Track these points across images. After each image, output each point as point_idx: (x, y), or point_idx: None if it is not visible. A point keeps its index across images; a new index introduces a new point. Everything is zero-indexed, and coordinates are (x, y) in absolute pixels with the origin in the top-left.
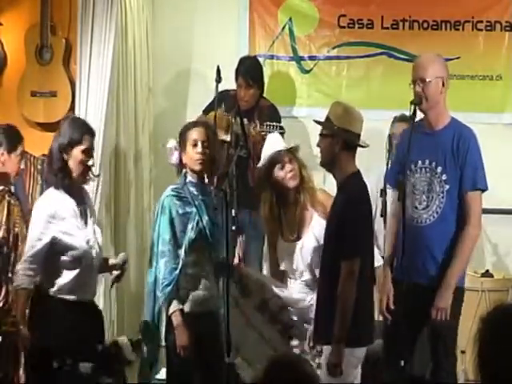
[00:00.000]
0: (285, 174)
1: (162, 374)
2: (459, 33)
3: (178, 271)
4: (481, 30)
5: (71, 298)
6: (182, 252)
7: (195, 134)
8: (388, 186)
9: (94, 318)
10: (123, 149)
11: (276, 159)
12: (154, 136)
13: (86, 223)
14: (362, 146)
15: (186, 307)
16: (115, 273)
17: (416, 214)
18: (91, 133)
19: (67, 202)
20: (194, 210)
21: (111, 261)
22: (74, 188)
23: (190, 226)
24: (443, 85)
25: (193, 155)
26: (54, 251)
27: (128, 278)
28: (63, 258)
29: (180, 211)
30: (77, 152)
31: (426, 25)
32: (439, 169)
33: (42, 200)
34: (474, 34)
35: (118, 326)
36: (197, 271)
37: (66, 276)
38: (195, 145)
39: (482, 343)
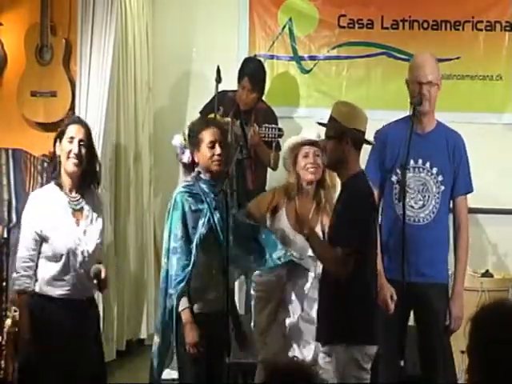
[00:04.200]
0: (305, 164)
1: (166, 374)
2: (459, 33)
3: (190, 267)
4: (481, 30)
5: (53, 293)
6: (193, 248)
7: (212, 135)
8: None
9: (82, 316)
10: (123, 148)
11: (303, 145)
12: (154, 135)
13: (78, 223)
14: (369, 143)
15: (196, 307)
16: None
17: (412, 213)
18: (75, 121)
19: (59, 198)
20: (206, 206)
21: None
22: (72, 186)
23: (201, 223)
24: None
25: (210, 156)
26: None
27: (128, 276)
28: (44, 249)
29: (192, 207)
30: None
31: (426, 25)
32: (435, 169)
33: (35, 193)
34: (474, 34)
35: (119, 325)
36: (207, 270)
37: (46, 270)
38: (213, 146)
39: (471, 343)
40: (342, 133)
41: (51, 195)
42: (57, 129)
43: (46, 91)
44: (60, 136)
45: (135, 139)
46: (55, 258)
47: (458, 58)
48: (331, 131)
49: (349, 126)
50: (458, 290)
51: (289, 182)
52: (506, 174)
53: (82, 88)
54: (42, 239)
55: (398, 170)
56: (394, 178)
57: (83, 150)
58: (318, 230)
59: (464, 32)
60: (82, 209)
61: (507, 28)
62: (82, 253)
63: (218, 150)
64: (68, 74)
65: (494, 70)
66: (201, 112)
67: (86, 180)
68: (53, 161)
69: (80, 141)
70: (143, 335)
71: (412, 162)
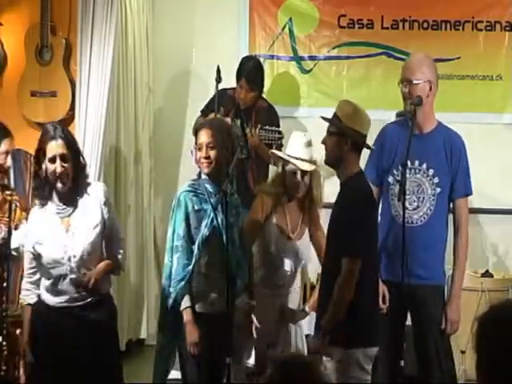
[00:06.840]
0: (297, 181)
1: (173, 374)
2: (459, 33)
3: (190, 267)
4: (481, 30)
5: (52, 302)
6: (195, 248)
7: (200, 137)
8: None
9: (76, 323)
10: (123, 149)
11: (294, 165)
12: (154, 136)
13: (67, 229)
14: (369, 148)
15: (199, 307)
16: None
17: (406, 214)
18: (52, 138)
19: (50, 209)
20: (210, 207)
21: None
22: (62, 196)
23: (204, 223)
24: (430, 88)
25: (198, 158)
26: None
27: (128, 277)
28: (39, 262)
29: (196, 207)
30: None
31: (426, 25)
32: (431, 171)
33: (31, 210)
34: (474, 34)
35: (119, 325)
36: (209, 270)
37: (43, 281)
38: (200, 148)
39: (478, 343)
40: (343, 132)
41: (43, 210)
42: None
43: (46, 91)
44: (41, 156)
45: (135, 139)
46: (47, 269)
47: (458, 58)
48: (333, 128)
49: (350, 127)
50: (454, 293)
51: (276, 173)
52: (506, 173)
53: (82, 88)
54: (37, 254)
55: (395, 171)
56: (390, 179)
57: (67, 165)
58: (306, 237)
59: (464, 32)
60: (72, 213)
61: (507, 28)
62: (69, 259)
63: (203, 152)
64: (68, 73)
65: (494, 70)
66: (202, 111)
67: (77, 188)
68: (36, 179)
69: (61, 157)
70: (143, 335)
71: (409, 163)
